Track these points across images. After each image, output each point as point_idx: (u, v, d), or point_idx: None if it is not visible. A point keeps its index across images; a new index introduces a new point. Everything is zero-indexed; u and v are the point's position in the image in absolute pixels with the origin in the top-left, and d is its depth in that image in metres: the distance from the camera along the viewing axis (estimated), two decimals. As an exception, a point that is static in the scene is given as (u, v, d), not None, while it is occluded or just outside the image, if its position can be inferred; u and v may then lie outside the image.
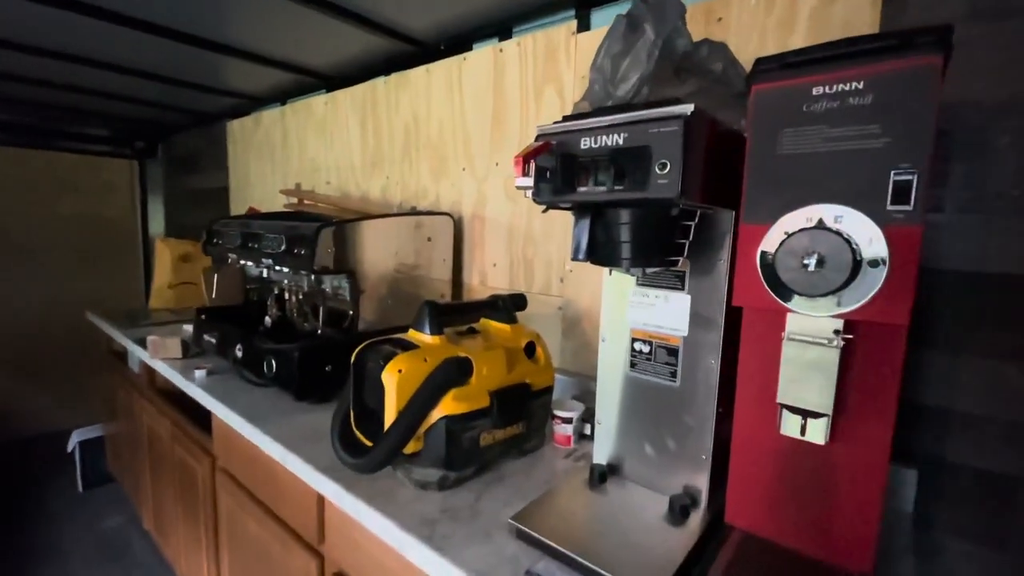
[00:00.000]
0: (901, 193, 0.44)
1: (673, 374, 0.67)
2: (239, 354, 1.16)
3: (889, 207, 0.45)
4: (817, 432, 0.52)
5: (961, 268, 0.72)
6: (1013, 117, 0.68)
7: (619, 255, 0.57)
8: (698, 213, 0.56)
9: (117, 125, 2.80)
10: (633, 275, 0.68)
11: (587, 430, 0.93)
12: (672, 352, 0.67)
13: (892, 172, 0.45)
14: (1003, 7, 0.68)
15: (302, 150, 1.91)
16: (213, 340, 1.28)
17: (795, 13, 0.82)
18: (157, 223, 3.10)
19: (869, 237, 0.45)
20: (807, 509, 0.56)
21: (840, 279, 0.44)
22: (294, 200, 1.54)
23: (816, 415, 0.51)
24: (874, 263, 0.45)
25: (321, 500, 0.85)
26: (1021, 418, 0.69)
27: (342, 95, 1.69)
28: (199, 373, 1.21)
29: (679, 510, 0.64)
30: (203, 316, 1.36)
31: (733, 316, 0.62)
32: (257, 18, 1.30)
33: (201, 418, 1.29)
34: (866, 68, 0.45)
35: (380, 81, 1.54)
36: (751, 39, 0.87)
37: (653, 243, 0.56)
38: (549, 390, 0.88)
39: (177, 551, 1.52)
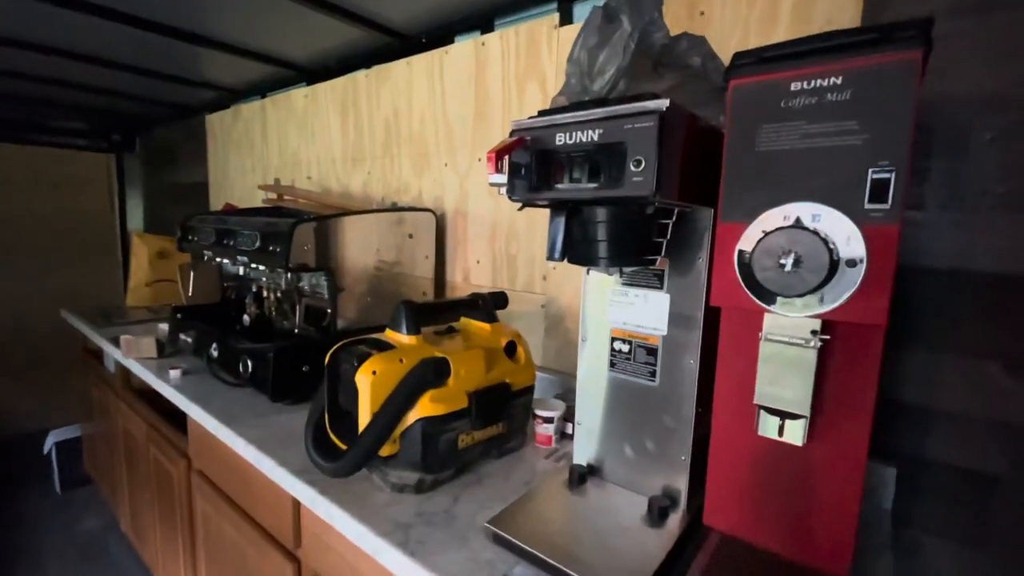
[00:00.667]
0: (879, 191, 0.43)
1: (652, 374, 0.66)
2: (214, 354, 1.13)
3: (867, 206, 0.44)
4: (795, 433, 0.51)
5: (942, 266, 0.72)
6: (997, 113, 0.68)
7: (596, 254, 0.55)
8: (676, 211, 0.55)
9: (93, 118, 2.72)
10: (611, 274, 0.67)
11: (569, 429, 0.91)
12: (651, 352, 0.66)
13: (870, 170, 0.44)
14: (986, 1, 0.68)
15: (283, 144, 1.87)
16: (189, 339, 1.25)
17: (777, 7, 0.81)
18: (136, 218, 3.03)
19: (847, 236, 0.44)
20: (785, 510, 0.56)
21: (817, 279, 0.43)
22: (273, 196, 1.51)
23: (794, 416, 0.51)
24: (851, 263, 0.44)
25: (297, 503, 0.83)
26: (1001, 416, 0.69)
27: (323, 88, 1.65)
28: (174, 373, 1.17)
29: (657, 512, 0.63)
30: (179, 315, 1.32)
31: (712, 315, 0.61)
32: (235, 8, 1.26)
33: (177, 419, 1.26)
34: (844, 63, 0.44)
35: (361, 74, 1.51)
36: (734, 33, 0.85)
37: (630, 242, 0.54)
38: (530, 390, 0.87)
39: (154, 554, 1.48)
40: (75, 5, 1.23)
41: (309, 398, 1.02)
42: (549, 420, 0.89)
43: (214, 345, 1.13)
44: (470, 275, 1.29)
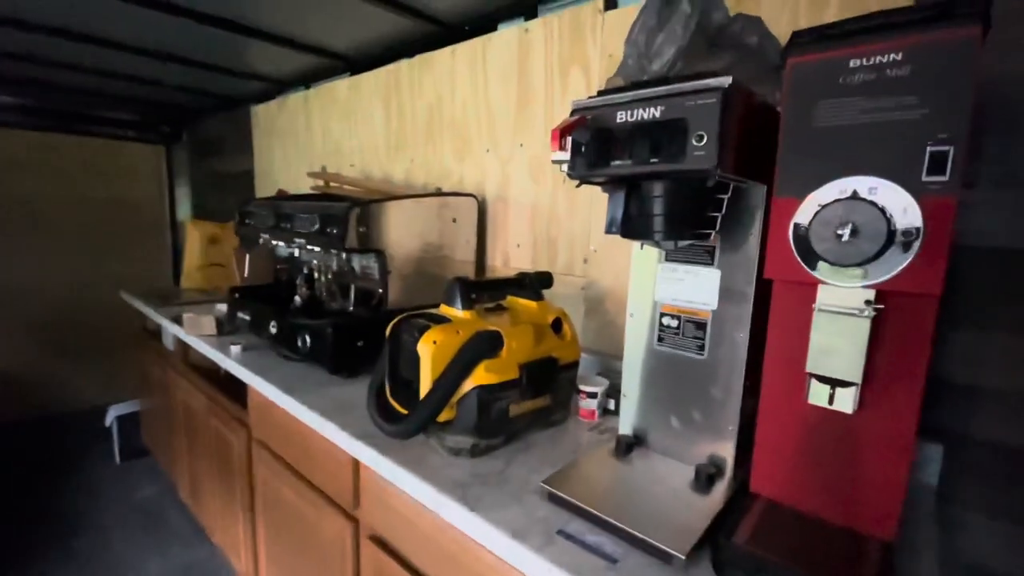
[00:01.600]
0: (937, 164, 0.45)
1: (701, 347, 0.69)
2: (273, 330, 1.20)
3: (925, 178, 0.45)
4: (846, 401, 0.53)
5: (991, 244, 0.72)
6: (1054, 91, 0.67)
7: (652, 228, 0.58)
8: (731, 186, 0.57)
9: (143, 110, 2.86)
10: (665, 249, 0.69)
11: (611, 405, 0.95)
12: (700, 326, 0.69)
13: (929, 143, 0.45)
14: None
15: (326, 134, 1.94)
16: (247, 317, 1.33)
17: (829, -14, 0.81)
18: (183, 206, 3.17)
19: (904, 207, 0.46)
20: (832, 477, 0.58)
21: (874, 248, 0.45)
22: (320, 183, 1.57)
23: (845, 384, 0.53)
24: (908, 233, 0.46)
25: (356, 466, 0.89)
26: (1050, 395, 0.69)
27: (366, 78, 1.70)
28: (235, 348, 1.25)
29: (705, 479, 0.66)
30: (236, 295, 1.40)
31: (762, 289, 0.63)
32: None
33: (234, 393, 1.34)
34: (905, 40, 0.46)
35: (404, 63, 1.55)
36: (783, 15, 0.86)
37: (686, 216, 0.57)
38: (575, 365, 0.90)
39: (212, 520, 1.59)
40: None
41: (363, 372, 1.08)
42: (592, 395, 0.92)
43: (273, 322, 1.20)
44: (510, 259, 1.33)
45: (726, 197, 0.57)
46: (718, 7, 0.56)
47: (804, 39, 0.51)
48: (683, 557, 0.53)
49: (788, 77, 0.52)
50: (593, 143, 0.55)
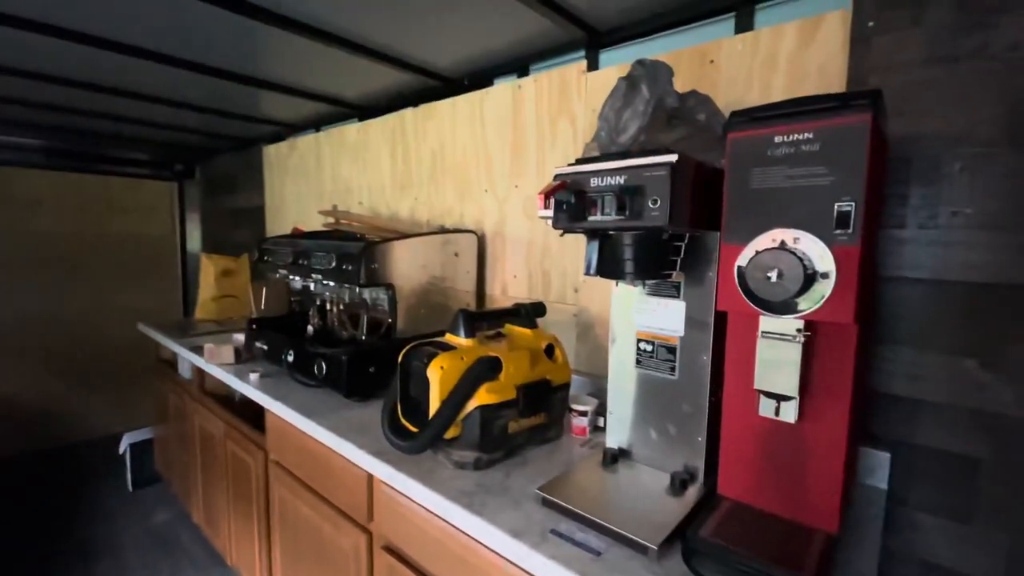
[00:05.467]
0: (843, 220, 0.57)
1: (672, 369, 0.80)
2: (290, 358, 1.30)
3: (834, 231, 0.57)
4: (788, 412, 0.64)
5: (923, 276, 0.83)
6: (965, 146, 0.80)
7: (623, 270, 0.70)
8: (687, 236, 0.69)
9: (158, 150, 3.02)
10: (636, 286, 0.80)
11: (600, 422, 1.05)
12: (671, 350, 0.80)
13: (836, 204, 0.57)
14: (952, 53, 0.80)
15: (335, 173, 2.08)
16: (264, 347, 1.44)
17: (776, 56, 0.94)
18: (194, 240, 3.31)
19: (819, 255, 0.58)
20: (784, 479, 0.68)
21: (795, 288, 0.56)
22: (332, 219, 1.70)
23: (786, 398, 0.63)
24: (824, 275, 0.57)
25: (370, 482, 0.98)
26: (979, 405, 0.80)
27: (373, 124, 1.85)
28: (253, 376, 1.36)
29: (679, 484, 0.76)
30: (253, 325, 1.51)
31: (720, 319, 0.74)
32: (293, 57, 1.45)
33: (249, 418, 1.44)
34: (814, 123, 0.58)
35: (409, 111, 1.70)
36: (739, 78, 0.99)
37: (650, 260, 0.69)
38: (567, 386, 1.01)
39: (227, 541, 1.66)
40: (144, 54, 1.41)
41: (375, 396, 1.18)
42: (583, 413, 1.03)
43: (289, 351, 1.30)
44: (508, 288, 1.45)
45: (683, 244, 0.69)
46: (670, 93, 0.69)
47: (740, 119, 0.64)
48: (655, 548, 0.63)
49: (728, 148, 0.64)
50: (572, 203, 0.67)
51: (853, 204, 0.56)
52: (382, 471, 0.89)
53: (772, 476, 0.69)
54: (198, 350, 1.62)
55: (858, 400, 0.73)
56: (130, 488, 2.39)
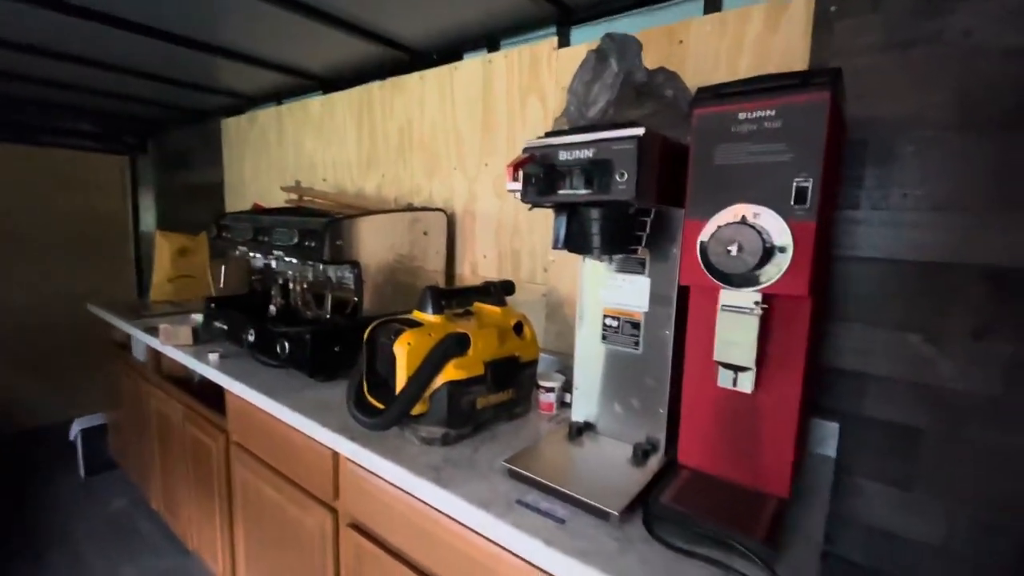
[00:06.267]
0: (801, 195, 0.58)
1: (636, 343, 0.81)
2: (251, 338, 1.27)
3: (792, 207, 0.59)
4: (746, 383, 0.66)
5: (875, 255, 0.87)
6: (917, 129, 0.83)
7: (591, 245, 0.70)
8: (653, 211, 0.70)
9: (106, 121, 2.84)
10: (603, 261, 0.81)
11: (568, 398, 1.06)
12: (635, 325, 0.81)
13: (795, 180, 0.59)
14: (908, 38, 0.83)
15: (298, 148, 2.01)
16: (224, 326, 1.39)
17: (742, 39, 0.96)
18: (148, 218, 3.15)
19: (778, 229, 0.59)
20: (740, 447, 0.71)
21: (754, 261, 0.58)
22: (295, 196, 1.64)
23: (744, 369, 0.66)
24: (782, 249, 0.59)
25: (336, 460, 0.97)
26: (922, 379, 0.84)
27: (339, 97, 1.79)
28: (213, 357, 1.31)
29: (641, 454, 0.78)
30: (212, 305, 1.46)
31: (683, 294, 0.76)
32: (252, 23, 1.38)
33: (209, 400, 1.39)
34: (776, 100, 0.59)
35: (376, 85, 1.65)
36: (707, 58, 1.00)
37: (617, 235, 0.69)
38: (535, 363, 1.02)
39: (187, 526, 1.62)
40: (92, 15, 1.31)
41: (341, 375, 1.16)
42: (551, 389, 1.04)
43: (251, 330, 1.26)
44: (477, 268, 1.44)
45: (649, 220, 0.69)
46: (638, 68, 0.69)
47: (705, 95, 0.64)
48: (617, 514, 0.64)
49: (694, 124, 0.65)
50: (541, 176, 0.67)
51: (810, 180, 0.58)
52: (347, 448, 0.89)
53: (729, 445, 0.71)
54: (153, 331, 1.55)
55: (811, 373, 0.77)
56: (83, 476, 2.29)
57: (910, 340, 0.85)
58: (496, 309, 1.01)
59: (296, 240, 1.16)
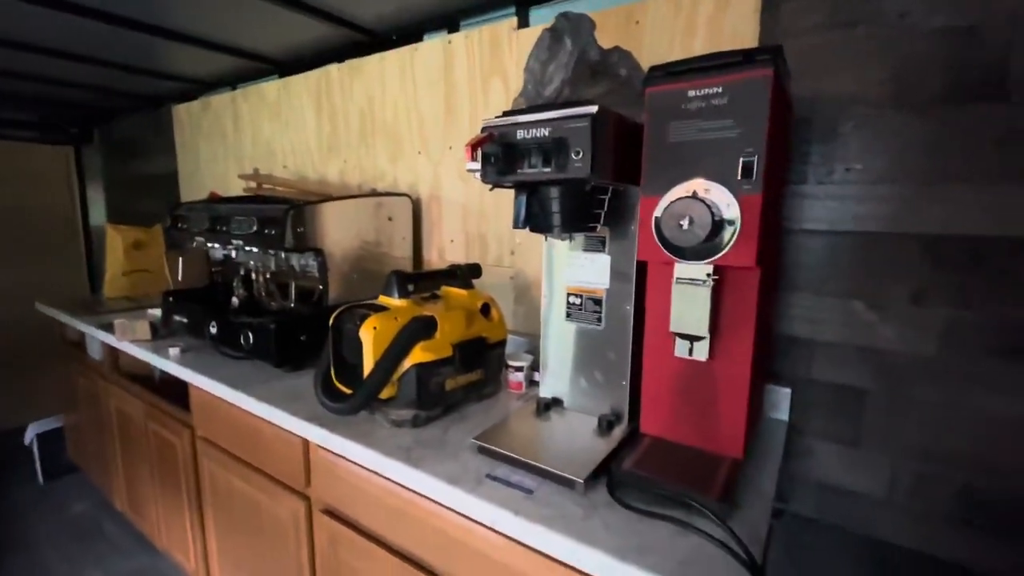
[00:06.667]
0: (747, 170, 0.61)
1: (599, 319, 0.84)
2: (214, 330, 1.24)
3: (740, 181, 0.61)
4: (701, 352, 0.69)
5: (821, 228, 0.92)
6: (857, 107, 0.87)
7: (551, 223, 0.71)
8: (610, 189, 0.71)
9: (46, 110, 2.67)
10: (563, 240, 0.83)
11: (536, 377, 1.08)
12: (597, 302, 0.83)
13: (741, 155, 0.61)
14: (849, 19, 0.86)
15: (256, 135, 1.94)
16: (184, 320, 1.35)
17: (695, 20, 0.97)
18: (98, 211, 3.00)
19: (727, 203, 0.62)
20: (697, 413, 0.74)
21: (704, 234, 0.60)
22: (253, 184, 1.60)
23: (698, 338, 0.69)
24: (730, 222, 0.62)
25: (306, 448, 0.97)
26: (865, 343, 0.90)
27: (296, 81, 1.74)
28: (174, 351, 1.28)
29: (605, 425, 0.81)
30: (171, 298, 1.41)
31: (641, 270, 0.78)
32: (203, 5, 1.32)
33: (172, 396, 1.36)
34: (722, 78, 0.61)
35: (334, 67, 1.61)
36: (663, 39, 1.02)
37: (576, 213, 0.71)
38: (503, 343, 1.03)
39: (155, 525, 1.58)
40: None
41: (308, 365, 1.15)
42: (519, 368, 1.06)
43: (213, 323, 1.23)
44: (445, 253, 1.44)
45: (607, 198, 0.71)
46: (592, 46, 0.70)
47: (658, 74, 0.66)
48: (582, 481, 0.67)
49: (647, 103, 0.66)
50: (500, 155, 0.68)
51: (756, 155, 0.60)
52: (317, 435, 0.88)
53: (687, 412, 0.75)
54: (108, 328, 1.50)
55: (763, 340, 0.81)
56: (41, 481, 2.20)
57: (855, 307, 0.90)
58: (463, 292, 1.01)
59: (256, 228, 1.13)
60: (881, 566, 0.92)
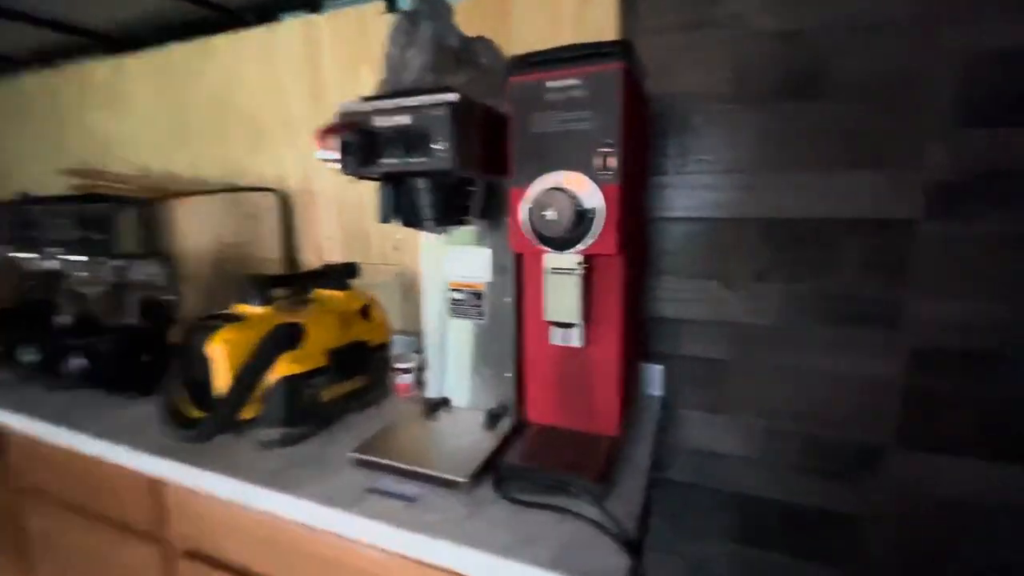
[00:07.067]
0: (606, 162, 0.62)
1: (481, 313, 0.82)
2: (32, 358, 1.03)
3: (600, 171, 0.63)
4: (575, 338, 0.71)
5: (680, 215, 0.99)
6: (705, 103, 0.95)
7: (421, 217, 0.68)
8: (480, 181, 0.70)
9: None
10: (437, 234, 0.80)
11: (425, 378, 1.05)
12: (479, 296, 0.82)
13: (600, 146, 0.63)
14: (696, 19, 0.93)
15: (82, 122, 1.65)
16: (-11, 348, 1.10)
17: (561, 12, 0.99)
18: None
19: (589, 193, 0.63)
20: (577, 398, 0.76)
21: (567, 224, 0.61)
22: (83, 181, 1.35)
23: (571, 325, 0.70)
24: (592, 212, 0.63)
25: (157, 486, 0.84)
26: (722, 317, 0.99)
27: (131, 61, 1.50)
28: (-25, 387, 1.04)
29: (492, 418, 0.80)
30: (-31, 323, 1.15)
31: (520, 261, 0.78)
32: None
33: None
34: (578, 69, 0.62)
35: (178, 47, 1.41)
36: (532, 30, 1.03)
37: (448, 206, 0.68)
38: (386, 346, 0.98)
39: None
40: None
41: (152, 390, 1.00)
42: (407, 371, 1.01)
43: (30, 349, 1.02)
44: (323, 251, 1.34)
45: (476, 190, 0.69)
46: (452, 31, 0.67)
47: (519, 64, 0.65)
48: (466, 481, 0.65)
49: (509, 93, 0.66)
50: (359, 144, 0.63)
51: (613, 146, 0.62)
52: (169, 469, 0.77)
53: (567, 397, 0.77)
54: None
55: (634, 323, 0.85)
56: None
57: (710, 286, 0.98)
58: (338, 294, 0.94)
59: (78, 232, 0.95)
60: (748, 518, 1.03)
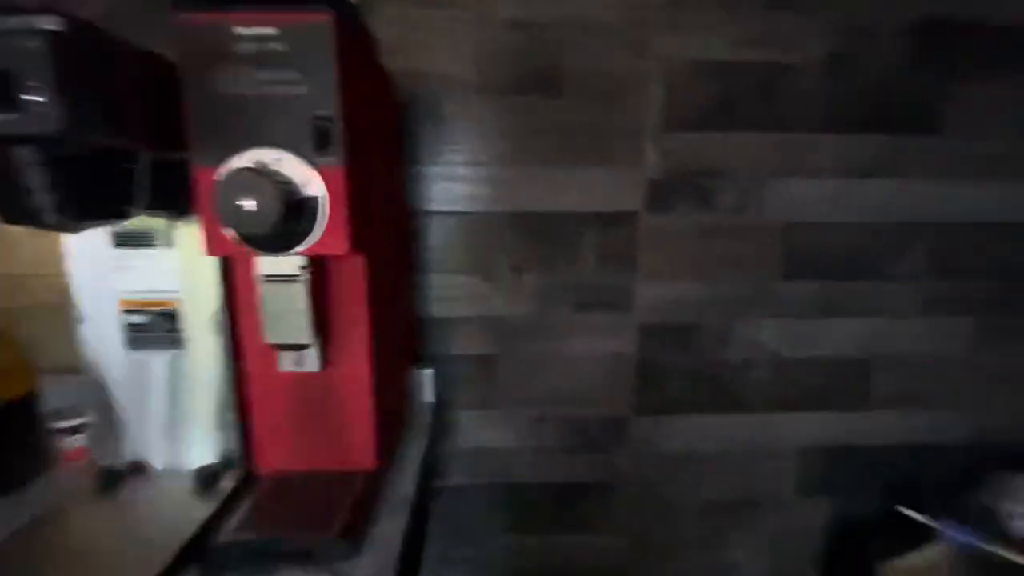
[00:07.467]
0: (323, 137, 0.50)
1: (179, 341, 0.61)
2: None
3: (318, 151, 0.50)
4: (310, 361, 0.57)
5: (440, 208, 0.93)
6: (453, 90, 0.89)
7: (35, 208, 0.44)
8: (141, 155, 0.49)
9: None
10: (71, 233, 0.56)
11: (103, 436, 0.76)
12: (172, 317, 0.60)
13: (313, 118, 0.50)
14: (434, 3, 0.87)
15: None
16: None
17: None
18: None
19: (306, 178, 0.50)
20: (322, 432, 0.62)
21: (275, 218, 0.47)
22: None
23: (304, 347, 0.56)
24: (315, 201, 0.50)
25: None
26: (487, 312, 0.97)
27: None
28: None
29: (204, 480, 0.60)
30: None
31: (228, 267, 0.59)
32: None
33: None
34: (274, 15, 0.48)
35: None
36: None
37: (79, 192, 0.46)
38: (32, 398, 0.67)
39: None
40: None
41: None
42: (76, 429, 0.71)
43: None
44: (-81, 265, 0.87)
45: (135, 167, 0.49)
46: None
47: (190, -4, 0.47)
48: (145, 590, 0.46)
49: (179, 36, 0.47)
50: None
51: (331, 119, 0.50)
52: None
53: (309, 434, 0.62)
54: None
55: (395, 330, 0.75)
56: None
57: (474, 281, 0.95)
58: (-81, 332, 0.59)
59: None
60: (521, 506, 1.04)
